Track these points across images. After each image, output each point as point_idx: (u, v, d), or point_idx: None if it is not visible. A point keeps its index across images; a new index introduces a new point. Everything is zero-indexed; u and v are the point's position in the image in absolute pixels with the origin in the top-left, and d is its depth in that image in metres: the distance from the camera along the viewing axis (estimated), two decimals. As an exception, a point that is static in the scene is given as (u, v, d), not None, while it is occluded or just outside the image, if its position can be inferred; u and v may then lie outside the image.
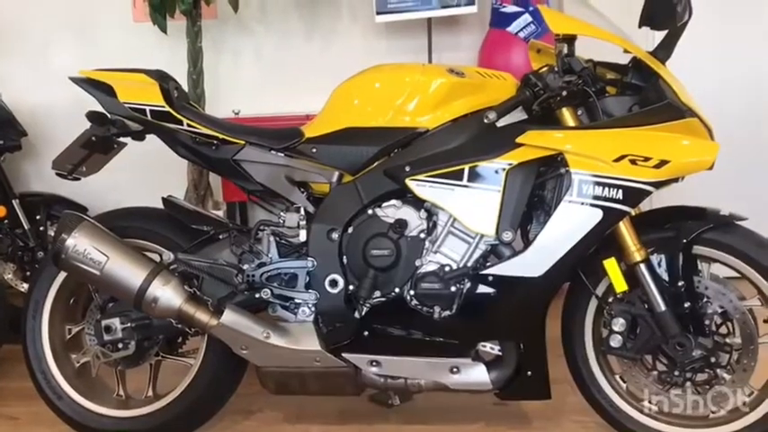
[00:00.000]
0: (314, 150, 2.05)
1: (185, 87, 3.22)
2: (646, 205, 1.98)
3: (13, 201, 3.15)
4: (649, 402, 2.06)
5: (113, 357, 2.15)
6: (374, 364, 2.02)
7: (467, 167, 1.93)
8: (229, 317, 1.99)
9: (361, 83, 2.10)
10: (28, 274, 3.15)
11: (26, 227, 3.13)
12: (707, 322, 1.95)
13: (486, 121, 1.92)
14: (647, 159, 1.84)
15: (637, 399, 2.07)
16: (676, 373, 1.98)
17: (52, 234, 3.00)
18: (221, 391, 2.20)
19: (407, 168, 1.97)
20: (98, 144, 2.21)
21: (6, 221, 3.14)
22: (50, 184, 2.95)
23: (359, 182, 2.03)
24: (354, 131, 2.03)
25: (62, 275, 2.20)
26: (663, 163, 1.84)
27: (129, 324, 2.11)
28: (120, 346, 2.13)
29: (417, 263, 1.98)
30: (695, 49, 2.17)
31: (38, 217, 3.20)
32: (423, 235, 1.99)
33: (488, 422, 2.27)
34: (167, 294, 1.98)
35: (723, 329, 1.98)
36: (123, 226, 2.16)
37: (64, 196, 3.28)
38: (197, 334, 2.16)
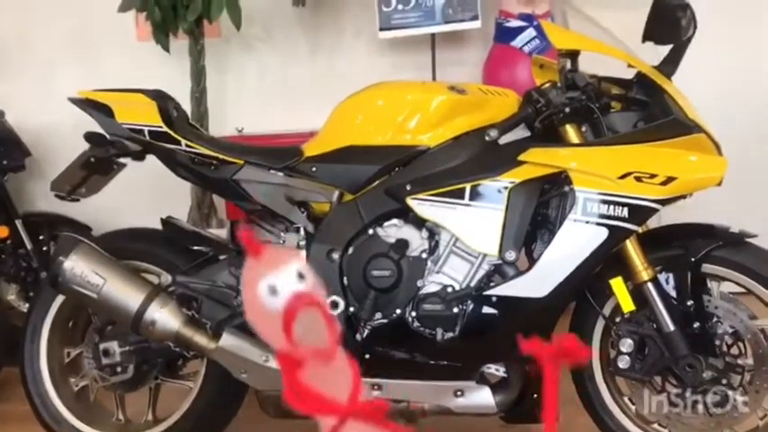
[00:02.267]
0: (314, 169, 2.02)
1: (188, 106, 3.23)
2: (653, 222, 1.94)
3: (16, 221, 3.13)
4: (659, 425, 2.01)
5: (111, 381, 2.13)
6: (376, 387, 1.98)
7: (468, 186, 1.89)
8: (228, 340, 1.96)
9: (362, 101, 2.08)
10: (31, 294, 3.13)
11: (29, 247, 3.11)
12: (717, 342, 1.90)
13: (487, 138, 1.89)
14: (653, 176, 1.80)
15: (646, 421, 2.02)
16: (687, 394, 1.92)
17: (55, 255, 2.98)
18: (221, 414, 2.17)
19: (408, 187, 1.93)
20: (97, 165, 2.20)
21: (9, 242, 3.12)
22: (54, 204, 2.91)
23: (359, 201, 2.00)
24: (355, 150, 2.00)
25: (61, 298, 2.17)
26: (669, 180, 1.80)
27: (127, 347, 2.08)
28: (119, 369, 2.10)
29: (419, 283, 1.94)
30: (699, 60, 2.13)
31: (41, 237, 3.18)
32: (424, 255, 1.95)
33: (494, 446, 2.22)
34: (165, 317, 1.96)
35: (734, 350, 1.93)
36: (122, 247, 2.14)
37: (68, 216, 3.26)
38: (196, 357, 2.13)
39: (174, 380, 2.22)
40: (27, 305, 3.11)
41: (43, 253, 3.16)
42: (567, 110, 1.89)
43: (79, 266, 1.97)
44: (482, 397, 1.95)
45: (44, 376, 2.19)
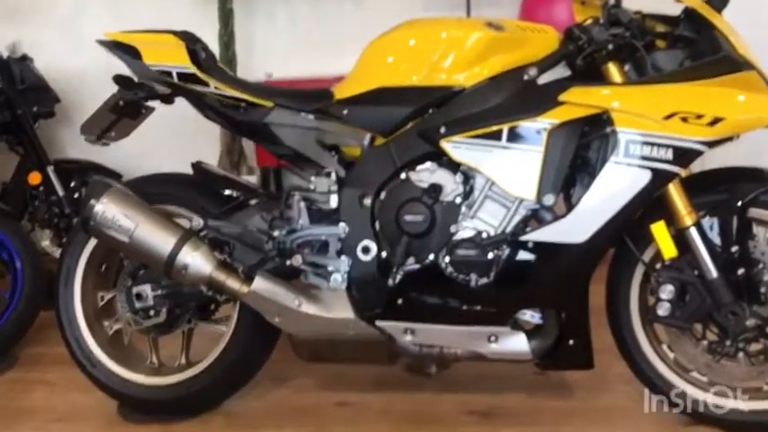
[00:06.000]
0: (345, 112, 1.97)
1: (216, 50, 3.17)
2: (697, 166, 1.87)
3: (48, 167, 3.14)
4: (698, 373, 1.97)
5: (145, 325, 2.13)
6: (409, 332, 1.96)
7: (506, 128, 1.84)
8: (260, 284, 1.95)
9: (395, 39, 2.01)
10: (64, 240, 3.15)
11: (61, 194, 3.12)
12: (762, 290, 1.84)
13: (526, 78, 1.83)
14: (699, 117, 1.73)
15: (685, 369, 1.98)
16: (728, 342, 1.88)
17: (87, 201, 2.99)
18: (254, 358, 2.17)
19: (443, 129, 1.88)
20: (126, 108, 2.18)
21: (41, 188, 3.14)
22: (85, 150, 2.92)
23: (392, 144, 1.95)
24: (387, 91, 1.94)
25: (93, 242, 2.17)
26: (716, 120, 1.73)
27: (159, 291, 2.08)
28: (152, 313, 2.10)
29: (453, 229, 1.90)
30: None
31: (72, 184, 3.19)
32: (459, 199, 1.91)
33: (529, 392, 2.20)
34: (197, 261, 1.95)
35: (780, 298, 1.87)
36: (153, 192, 2.12)
37: (98, 163, 3.27)
38: (228, 301, 2.12)
39: (206, 324, 2.22)
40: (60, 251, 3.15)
41: (75, 199, 3.17)
42: (610, 47, 1.82)
43: (110, 210, 1.96)
44: (517, 343, 1.93)
45: (79, 320, 2.20)
